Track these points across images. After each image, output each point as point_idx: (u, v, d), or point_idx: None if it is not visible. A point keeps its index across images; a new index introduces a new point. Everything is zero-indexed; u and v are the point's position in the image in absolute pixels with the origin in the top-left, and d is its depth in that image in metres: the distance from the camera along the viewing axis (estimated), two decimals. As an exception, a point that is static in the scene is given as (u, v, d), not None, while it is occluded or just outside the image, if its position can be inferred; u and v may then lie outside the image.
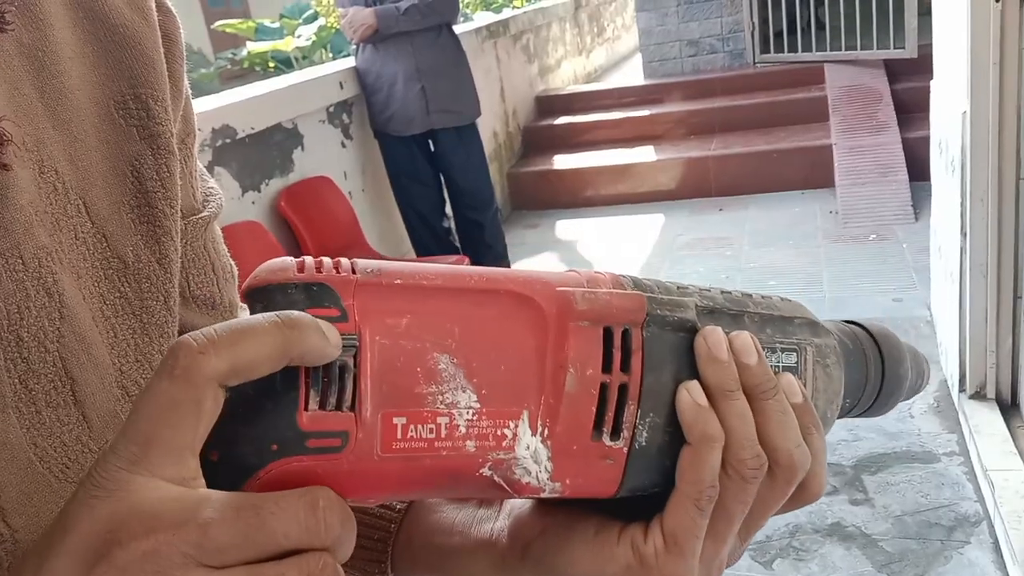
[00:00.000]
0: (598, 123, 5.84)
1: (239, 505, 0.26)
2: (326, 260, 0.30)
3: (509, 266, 3.98)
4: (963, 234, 2.31)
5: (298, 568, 0.27)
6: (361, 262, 0.30)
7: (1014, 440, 2.21)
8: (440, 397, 0.30)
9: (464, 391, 0.30)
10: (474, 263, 3.62)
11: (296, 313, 0.28)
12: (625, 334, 0.33)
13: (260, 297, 0.29)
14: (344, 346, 0.28)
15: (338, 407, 0.28)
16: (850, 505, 2.23)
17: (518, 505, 0.39)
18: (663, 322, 0.34)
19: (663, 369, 0.34)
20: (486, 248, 3.81)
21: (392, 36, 3.48)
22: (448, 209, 3.86)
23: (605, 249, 4.57)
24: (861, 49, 5.61)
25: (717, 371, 0.35)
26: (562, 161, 5.51)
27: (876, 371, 0.43)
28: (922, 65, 4.73)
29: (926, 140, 2.99)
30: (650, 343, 0.34)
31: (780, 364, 0.38)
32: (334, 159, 3.50)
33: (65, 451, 0.39)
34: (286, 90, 3.22)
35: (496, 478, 0.32)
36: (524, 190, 5.42)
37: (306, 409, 0.28)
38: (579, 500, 0.35)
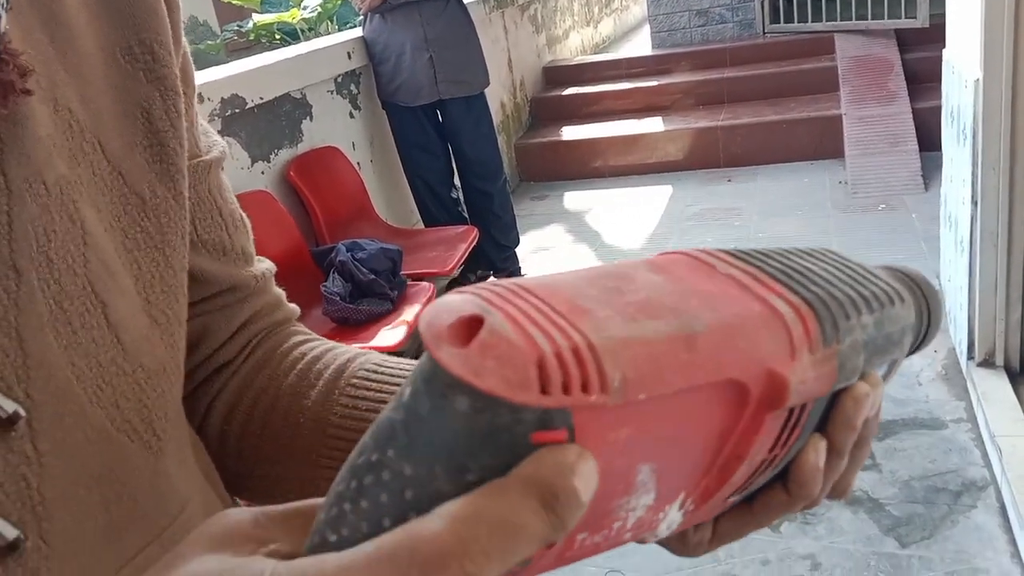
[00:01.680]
0: (606, 94, 5.81)
1: None
2: (566, 358, 0.23)
3: (518, 237, 3.97)
4: (974, 203, 2.31)
5: None
6: (608, 362, 0.24)
7: (1022, 407, 2.22)
8: (626, 506, 0.27)
9: (648, 494, 0.27)
10: (483, 234, 3.62)
11: (562, 499, 0.23)
12: (801, 408, 0.30)
13: (479, 402, 0.23)
14: None
15: None
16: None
17: None
18: (833, 392, 0.31)
19: (808, 433, 0.32)
20: (495, 219, 3.81)
21: (400, 6, 3.46)
22: (456, 180, 3.86)
23: (613, 220, 4.57)
24: (872, 19, 5.55)
25: (847, 436, 0.33)
26: (570, 132, 5.49)
27: (920, 341, 0.40)
28: (933, 35, 4.69)
29: (936, 110, 2.97)
30: (813, 412, 0.31)
31: None
32: (342, 129, 3.49)
33: (101, 372, 0.40)
34: (294, 60, 3.21)
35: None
36: (532, 161, 5.41)
37: None
38: None
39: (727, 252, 0.32)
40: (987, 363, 2.43)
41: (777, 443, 0.30)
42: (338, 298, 2.67)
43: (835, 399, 0.33)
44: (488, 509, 0.22)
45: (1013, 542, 1.91)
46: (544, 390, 0.23)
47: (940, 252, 3.01)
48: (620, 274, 0.28)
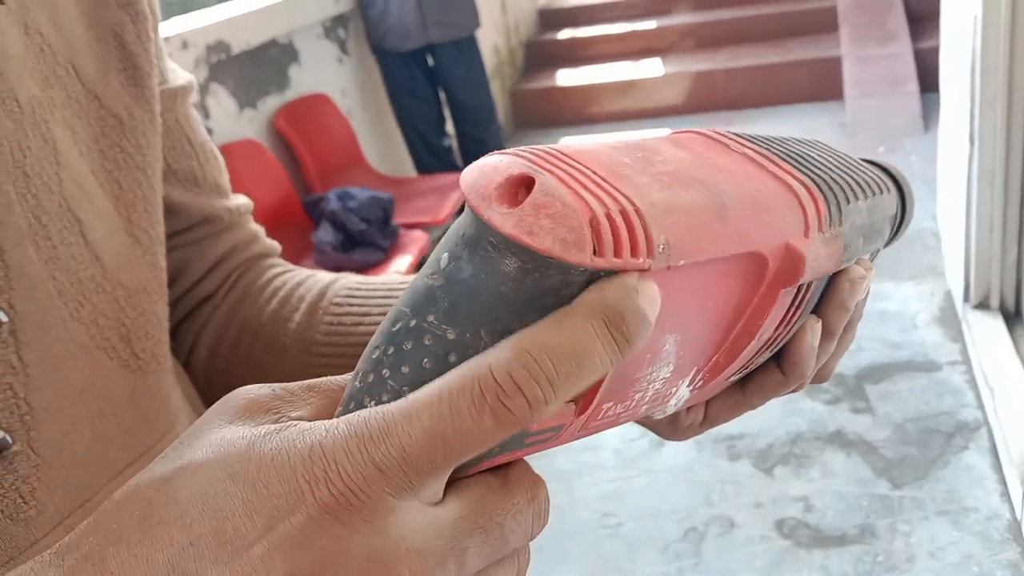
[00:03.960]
0: (603, 37, 5.71)
1: (487, 526, 0.24)
2: (615, 218, 0.23)
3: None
4: (971, 142, 2.27)
5: (514, 568, 0.26)
6: (654, 227, 0.23)
7: (1016, 348, 2.21)
8: (648, 377, 0.27)
9: (668, 366, 0.28)
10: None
11: (629, 319, 0.23)
12: (808, 287, 0.31)
13: (529, 262, 0.23)
14: None
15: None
16: (851, 414, 2.25)
17: None
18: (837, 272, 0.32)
19: (806, 315, 0.33)
20: (489, 166, 3.77)
21: (388, -53, 3.38)
22: (449, 127, 3.81)
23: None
24: (873, -45, 5.43)
25: (841, 317, 0.34)
26: (566, 77, 5.41)
27: (895, 231, 0.41)
28: (936, -30, 4.59)
29: (937, 50, 2.92)
30: (815, 292, 0.32)
31: None
32: (331, 76, 3.44)
33: (81, 288, 0.40)
34: (281, 4, 3.14)
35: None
36: (527, 108, 5.34)
37: None
38: None
39: (735, 133, 0.32)
40: (982, 305, 2.42)
41: (783, 321, 0.31)
42: (329, 248, 2.65)
43: (830, 282, 0.33)
44: (554, 337, 0.22)
45: (1003, 481, 1.92)
46: (596, 251, 0.22)
47: (937, 194, 2.98)
48: (645, 146, 0.28)
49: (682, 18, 5.71)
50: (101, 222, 0.42)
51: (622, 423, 0.29)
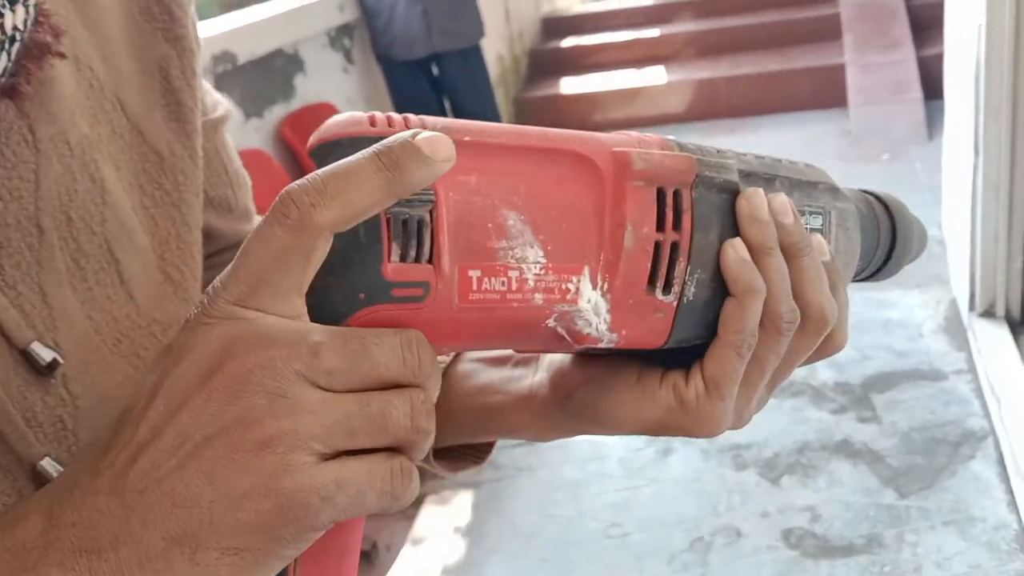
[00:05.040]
0: (606, 45, 5.72)
1: (345, 334, 0.28)
2: (395, 116, 0.30)
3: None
4: (976, 151, 2.27)
5: (402, 399, 0.29)
6: (429, 119, 0.31)
7: (1022, 356, 2.21)
8: (510, 252, 0.32)
9: (532, 247, 0.32)
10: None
11: (396, 148, 0.28)
12: (676, 195, 0.36)
13: (331, 151, 0.29)
14: (421, 201, 0.30)
15: (418, 259, 0.30)
16: (858, 423, 2.25)
17: (558, 360, 0.42)
18: (710, 183, 0.36)
19: (710, 228, 0.37)
20: (493, 174, 3.78)
21: (393, -43, 3.40)
22: (454, 135, 3.81)
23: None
24: (876, -37, 5.44)
25: (758, 230, 0.37)
26: (570, 85, 5.42)
27: (887, 237, 0.46)
28: (939, -22, 4.59)
29: (941, 57, 2.92)
30: (698, 203, 0.36)
31: (808, 226, 0.40)
32: (336, 85, 3.45)
33: (117, 325, 0.42)
34: (286, 14, 3.16)
35: (560, 329, 0.34)
36: (531, 116, 5.35)
37: (389, 261, 0.29)
38: (623, 352, 0.38)
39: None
40: (988, 314, 2.42)
41: (664, 224, 0.35)
42: (335, 257, 2.66)
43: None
44: (333, 165, 0.28)
45: (1010, 491, 1.92)
46: (372, 125, 0.30)
47: (942, 202, 2.98)
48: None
49: (685, 26, 5.72)
50: (138, 260, 0.43)
51: (521, 310, 0.33)
